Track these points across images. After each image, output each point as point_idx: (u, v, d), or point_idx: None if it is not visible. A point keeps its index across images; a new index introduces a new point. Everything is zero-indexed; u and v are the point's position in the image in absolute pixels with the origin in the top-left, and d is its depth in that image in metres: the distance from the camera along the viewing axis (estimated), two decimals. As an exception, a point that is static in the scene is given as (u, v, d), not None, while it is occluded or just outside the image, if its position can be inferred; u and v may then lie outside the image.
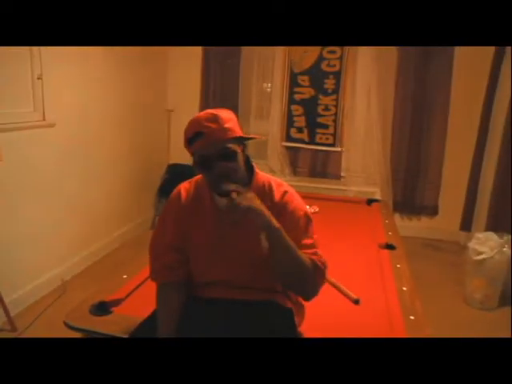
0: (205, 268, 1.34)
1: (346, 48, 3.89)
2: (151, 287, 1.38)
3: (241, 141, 1.25)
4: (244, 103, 4.24)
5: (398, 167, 4.06)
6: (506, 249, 2.75)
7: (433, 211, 4.10)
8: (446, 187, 4.03)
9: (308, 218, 1.31)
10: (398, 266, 1.98)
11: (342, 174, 4.18)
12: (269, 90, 4.27)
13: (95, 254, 3.34)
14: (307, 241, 1.27)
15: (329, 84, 4.00)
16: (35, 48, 2.54)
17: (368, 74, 3.93)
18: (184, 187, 1.39)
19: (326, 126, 4.08)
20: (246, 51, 4.12)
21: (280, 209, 1.27)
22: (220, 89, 4.22)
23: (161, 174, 4.26)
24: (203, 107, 4.15)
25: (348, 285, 1.79)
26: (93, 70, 3.13)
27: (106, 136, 3.37)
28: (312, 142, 4.15)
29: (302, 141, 4.18)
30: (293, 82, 4.08)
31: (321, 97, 4.04)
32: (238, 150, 1.23)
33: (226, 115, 1.22)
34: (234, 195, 1.11)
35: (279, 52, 4.05)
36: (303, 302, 1.39)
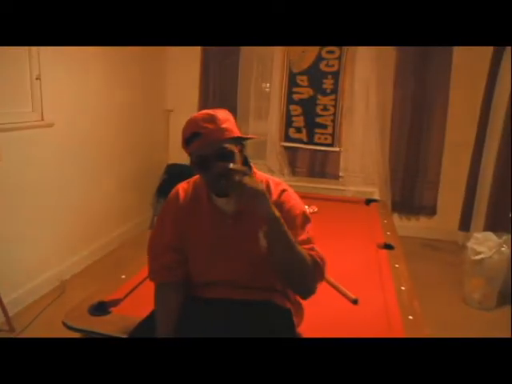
0: (203, 268, 1.33)
1: (345, 48, 3.89)
2: (150, 287, 1.38)
3: (238, 141, 1.25)
4: (243, 103, 4.25)
5: (397, 167, 4.06)
6: (505, 248, 2.75)
7: (431, 211, 4.11)
8: (444, 187, 4.03)
9: (305, 217, 1.31)
10: (397, 265, 1.99)
11: (341, 174, 4.18)
12: (267, 89, 4.26)
13: (94, 254, 3.34)
14: (303, 236, 1.27)
15: (327, 84, 4.00)
16: (34, 48, 2.54)
17: (367, 74, 3.93)
18: (182, 187, 1.39)
19: (324, 126, 4.09)
20: (245, 51, 4.12)
21: (278, 207, 1.27)
22: (219, 89, 4.22)
23: (160, 173, 4.26)
24: (202, 107, 4.14)
25: (346, 285, 1.79)
26: (91, 70, 3.13)
27: (104, 136, 3.37)
28: (310, 141, 4.15)
29: (300, 141, 4.18)
30: (291, 81, 4.08)
31: (319, 97, 4.04)
32: (236, 150, 1.23)
33: (223, 115, 1.22)
34: (237, 177, 1.11)
35: (278, 52, 4.05)
36: (302, 303, 1.39)
